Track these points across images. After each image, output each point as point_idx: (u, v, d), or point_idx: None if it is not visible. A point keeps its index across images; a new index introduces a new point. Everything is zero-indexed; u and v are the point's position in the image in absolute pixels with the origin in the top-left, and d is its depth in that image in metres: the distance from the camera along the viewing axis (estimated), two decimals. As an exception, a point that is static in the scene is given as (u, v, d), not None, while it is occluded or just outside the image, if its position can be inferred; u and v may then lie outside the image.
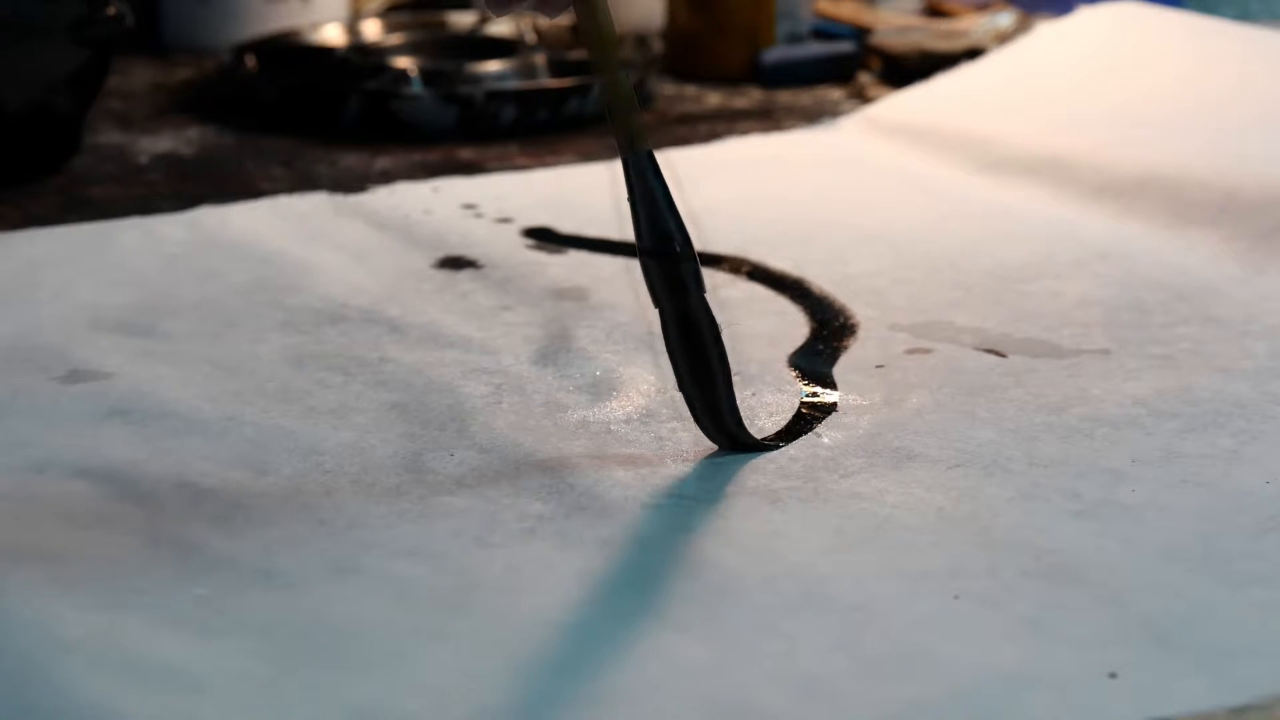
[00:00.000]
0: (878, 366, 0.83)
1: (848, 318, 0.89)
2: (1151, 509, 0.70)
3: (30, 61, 1.07)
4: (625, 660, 0.61)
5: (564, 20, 1.37)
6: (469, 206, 1.05)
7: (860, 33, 1.36)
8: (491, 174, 1.11)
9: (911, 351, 0.85)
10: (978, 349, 0.85)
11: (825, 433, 0.77)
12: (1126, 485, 0.72)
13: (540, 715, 0.58)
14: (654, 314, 0.89)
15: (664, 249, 0.72)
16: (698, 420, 0.74)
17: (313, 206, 1.04)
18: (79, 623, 0.63)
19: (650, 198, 0.72)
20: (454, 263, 0.97)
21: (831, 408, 0.78)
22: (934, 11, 1.45)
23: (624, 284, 0.93)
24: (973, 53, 1.29)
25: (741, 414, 0.75)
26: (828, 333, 0.87)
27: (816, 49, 1.33)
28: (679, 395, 0.79)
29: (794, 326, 0.88)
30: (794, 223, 1.02)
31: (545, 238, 1.00)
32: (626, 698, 0.59)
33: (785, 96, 1.29)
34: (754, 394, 0.81)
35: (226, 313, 0.90)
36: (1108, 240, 0.98)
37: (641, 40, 1.37)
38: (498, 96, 1.19)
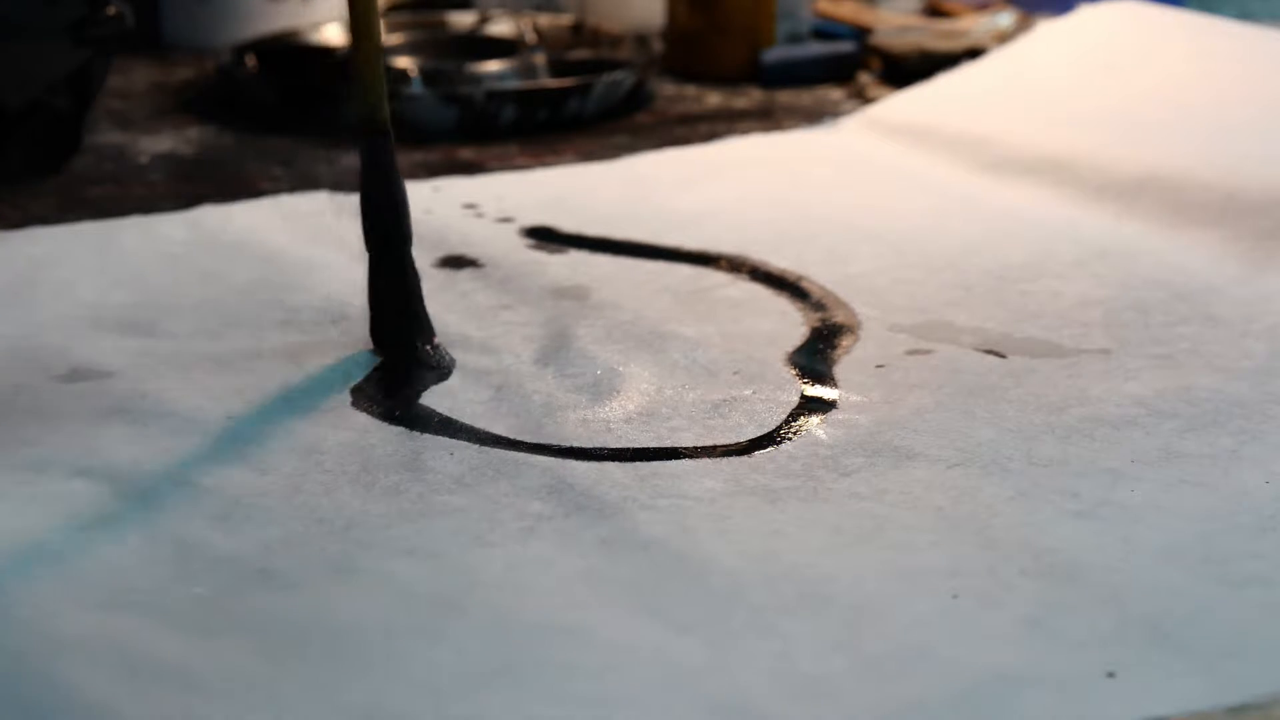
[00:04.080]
0: (878, 366, 0.83)
1: (848, 317, 0.89)
2: (1151, 509, 0.70)
3: (30, 61, 1.07)
4: (625, 660, 0.61)
5: (565, 20, 1.37)
6: (469, 206, 1.05)
7: (860, 33, 1.36)
8: (492, 174, 1.11)
9: (912, 351, 0.85)
10: (978, 349, 0.85)
11: (824, 431, 0.77)
12: (1126, 485, 0.72)
13: (540, 715, 0.58)
14: (653, 313, 0.89)
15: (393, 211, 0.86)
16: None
17: (313, 206, 1.04)
18: (78, 622, 0.63)
19: (391, 172, 0.86)
20: (455, 262, 0.97)
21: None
22: (934, 11, 1.45)
23: (624, 283, 0.93)
24: (973, 53, 1.29)
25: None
26: (828, 332, 0.87)
27: (816, 49, 1.33)
28: (678, 394, 0.79)
29: (794, 326, 0.89)
30: (794, 223, 1.02)
31: (545, 237, 1.00)
32: (626, 697, 0.59)
33: (785, 96, 1.29)
34: (754, 392, 0.81)
35: (227, 312, 0.90)
36: (1108, 240, 0.98)
37: (641, 40, 1.37)
38: (498, 96, 1.19)
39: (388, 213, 0.86)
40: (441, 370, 0.83)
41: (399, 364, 0.84)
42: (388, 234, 0.86)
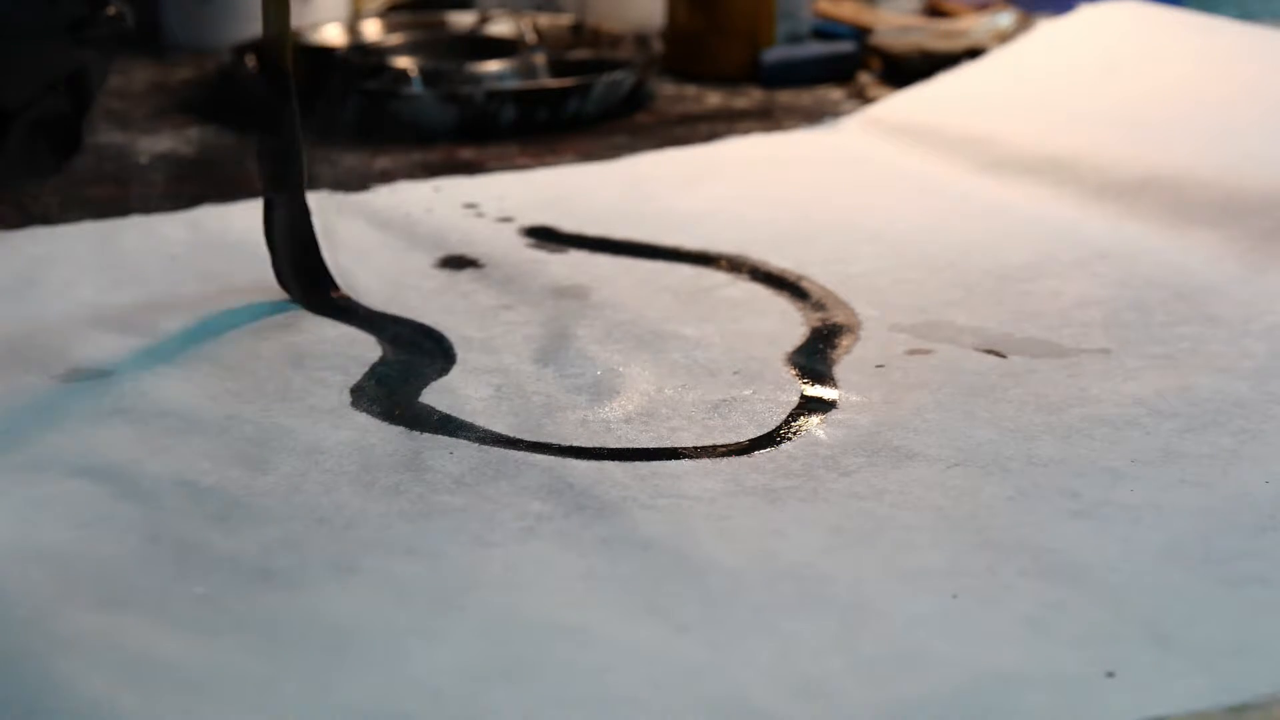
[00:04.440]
0: (878, 366, 0.83)
1: (848, 317, 0.89)
2: (1150, 509, 0.70)
3: (30, 61, 1.07)
4: (625, 660, 0.61)
5: (565, 20, 1.37)
6: (470, 206, 1.05)
7: (860, 33, 1.36)
8: (492, 174, 1.11)
9: (912, 351, 0.85)
10: (978, 349, 0.85)
11: (824, 431, 0.77)
12: (1126, 485, 0.72)
13: (540, 715, 0.58)
14: (653, 313, 0.89)
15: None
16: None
17: (314, 206, 1.04)
18: (78, 622, 0.63)
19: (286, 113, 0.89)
20: (455, 262, 0.97)
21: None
22: (934, 11, 1.45)
23: (624, 283, 0.93)
24: (973, 53, 1.29)
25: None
26: (828, 332, 0.87)
27: (816, 49, 1.33)
28: (678, 394, 0.79)
29: (794, 326, 0.88)
30: (794, 223, 1.02)
31: (545, 237, 1.00)
32: (626, 697, 0.59)
33: (785, 96, 1.29)
34: (754, 392, 0.81)
35: (227, 312, 0.89)
36: (1108, 240, 0.98)
37: (641, 40, 1.37)
38: (498, 96, 1.19)
39: (279, 154, 0.89)
40: (354, 313, 0.88)
41: (307, 307, 0.89)
42: (279, 176, 0.89)
